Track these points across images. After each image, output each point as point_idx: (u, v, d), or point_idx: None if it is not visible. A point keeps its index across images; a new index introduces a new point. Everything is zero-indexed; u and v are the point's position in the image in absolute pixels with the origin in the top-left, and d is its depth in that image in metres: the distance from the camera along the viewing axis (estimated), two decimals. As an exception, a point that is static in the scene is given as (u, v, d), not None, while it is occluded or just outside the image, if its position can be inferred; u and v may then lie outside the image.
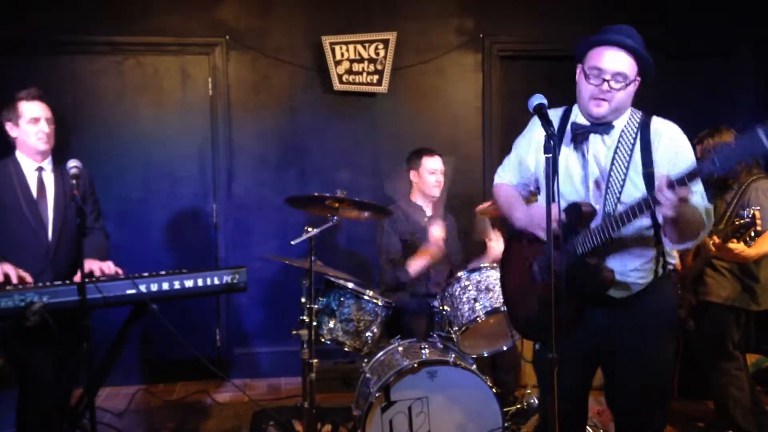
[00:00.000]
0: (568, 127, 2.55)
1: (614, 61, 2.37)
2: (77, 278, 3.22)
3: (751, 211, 3.13)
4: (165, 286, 3.24)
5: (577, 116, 2.56)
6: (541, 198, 2.67)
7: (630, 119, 2.50)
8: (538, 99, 2.28)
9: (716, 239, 3.41)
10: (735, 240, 3.30)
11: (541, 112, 2.26)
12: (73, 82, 5.07)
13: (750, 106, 5.58)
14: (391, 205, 4.31)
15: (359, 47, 5.17)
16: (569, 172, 2.53)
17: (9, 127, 3.41)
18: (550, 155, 2.17)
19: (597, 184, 2.47)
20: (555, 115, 2.61)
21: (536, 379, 2.94)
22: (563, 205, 2.47)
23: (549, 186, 2.17)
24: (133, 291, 3.18)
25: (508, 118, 5.45)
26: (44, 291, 2.99)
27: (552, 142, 2.17)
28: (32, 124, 3.36)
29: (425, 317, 3.99)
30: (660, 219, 2.39)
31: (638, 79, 2.45)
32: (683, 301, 3.93)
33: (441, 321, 3.79)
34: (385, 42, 5.19)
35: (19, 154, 3.43)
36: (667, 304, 2.54)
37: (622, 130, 2.47)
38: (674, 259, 2.56)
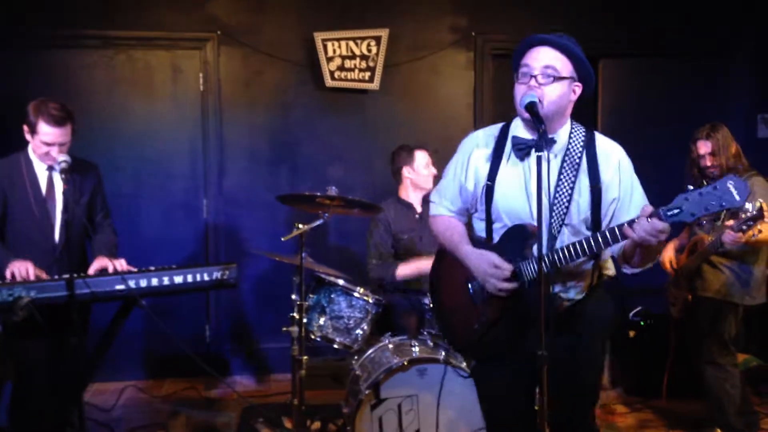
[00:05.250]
0: (508, 142, 2.45)
1: (541, 56, 2.32)
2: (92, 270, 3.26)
3: (758, 204, 3.14)
4: (154, 281, 3.24)
5: (517, 129, 2.47)
6: (478, 224, 2.59)
7: (573, 133, 2.42)
8: (529, 97, 2.26)
9: (731, 232, 3.39)
10: (741, 233, 3.32)
11: (532, 110, 2.23)
12: (64, 76, 5.04)
13: (744, 107, 5.61)
14: (383, 202, 4.31)
15: (351, 44, 5.16)
16: (511, 190, 2.42)
17: (25, 130, 3.36)
18: (541, 153, 2.13)
19: (541, 205, 2.26)
20: (491, 133, 2.53)
21: (478, 400, 2.82)
22: (506, 224, 2.43)
23: (540, 188, 2.12)
24: (122, 287, 3.18)
25: (500, 115, 5.38)
26: (32, 286, 2.98)
27: (543, 141, 2.14)
28: (44, 145, 3.31)
29: (416, 315, 3.98)
30: (612, 251, 2.37)
31: (578, 85, 2.37)
32: (677, 299, 3.96)
33: (432, 319, 3.78)
34: (378, 39, 5.18)
35: (32, 153, 3.42)
36: (599, 307, 2.49)
37: (567, 146, 2.39)
38: (610, 270, 2.52)
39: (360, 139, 5.36)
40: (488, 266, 2.38)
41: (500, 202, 2.44)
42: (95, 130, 5.00)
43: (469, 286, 2.54)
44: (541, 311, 2.13)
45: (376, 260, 4.16)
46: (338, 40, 5.14)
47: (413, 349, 3.48)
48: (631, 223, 2.10)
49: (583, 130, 2.44)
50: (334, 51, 5.14)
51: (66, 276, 3.08)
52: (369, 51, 5.18)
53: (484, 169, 2.49)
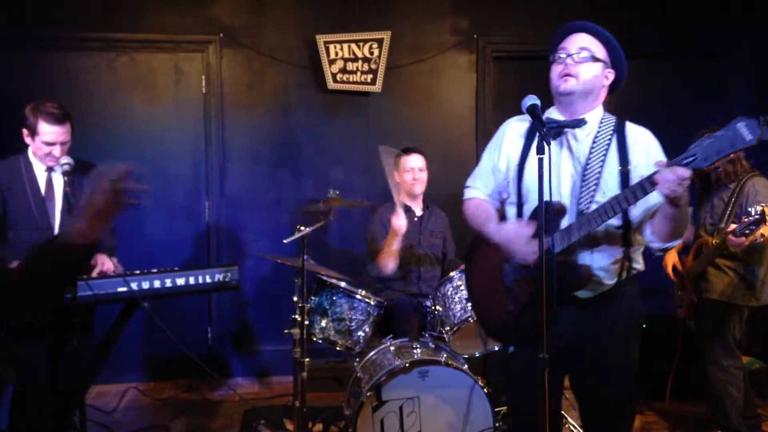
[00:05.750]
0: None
1: (578, 39, 2.47)
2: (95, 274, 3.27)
3: (760, 208, 3.14)
4: (156, 284, 3.23)
5: (551, 113, 2.56)
6: (510, 209, 2.63)
7: (604, 119, 2.51)
8: (531, 100, 2.30)
9: (732, 238, 3.43)
10: (744, 237, 3.32)
11: (534, 112, 2.28)
12: (65, 79, 5.05)
13: (743, 108, 5.60)
14: (383, 205, 4.32)
15: (353, 46, 5.16)
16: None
17: (25, 133, 3.37)
18: (542, 156, 2.16)
19: (571, 180, 2.45)
20: (525, 117, 2.56)
21: (506, 386, 2.85)
22: (534, 203, 2.45)
23: (541, 186, 2.16)
24: (124, 289, 3.17)
25: (502, 118, 5.38)
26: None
27: (545, 143, 2.17)
28: (46, 146, 3.33)
29: (417, 317, 3.99)
30: (634, 216, 2.40)
31: (611, 71, 2.49)
32: (683, 301, 3.96)
33: (433, 321, 3.79)
34: (380, 41, 5.19)
35: (31, 156, 3.43)
36: (631, 307, 2.52)
37: (598, 129, 2.47)
38: (639, 265, 2.53)
39: (362, 142, 5.36)
40: (514, 235, 2.42)
41: (529, 181, 2.49)
42: (97, 133, 5.01)
43: (502, 268, 2.55)
44: (542, 311, 2.13)
45: (369, 255, 4.16)
46: (340, 42, 5.15)
47: (415, 351, 3.48)
48: (652, 176, 2.16)
49: (615, 118, 2.52)
50: (336, 53, 5.15)
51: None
52: (371, 53, 5.19)
53: (516, 150, 2.57)
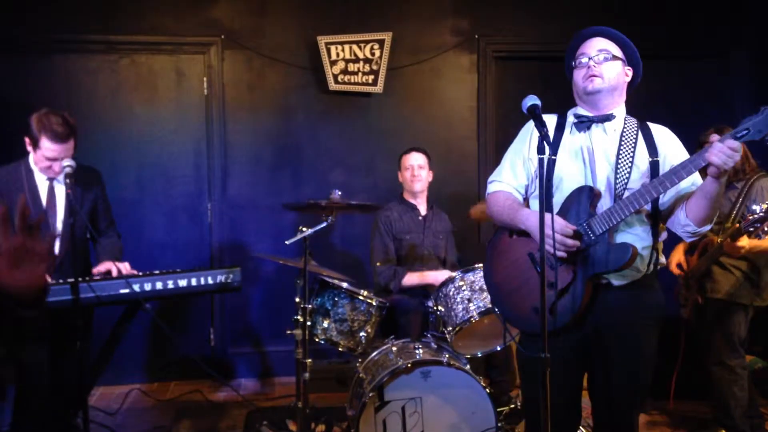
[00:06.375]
0: (569, 119, 2.64)
1: (595, 43, 2.58)
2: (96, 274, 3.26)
3: (765, 206, 3.17)
4: (159, 285, 3.25)
5: (578, 111, 2.65)
6: (534, 203, 2.67)
7: (627, 118, 2.62)
8: (531, 100, 2.31)
9: (727, 240, 3.48)
10: (747, 235, 3.34)
11: (534, 112, 2.29)
12: (67, 81, 5.06)
13: (742, 108, 5.59)
14: (386, 205, 4.34)
15: (354, 47, 5.17)
16: (577, 157, 2.57)
17: (27, 142, 3.32)
18: (544, 156, 2.18)
19: (607, 167, 2.52)
20: (550, 115, 2.65)
21: (523, 379, 2.81)
22: (564, 194, 2.52)
23: (542, 187, 2.17)
24: (126, 290, 3.19)
25: (503, 118, 5.46)
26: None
27: (545, 143, 2.19)
28: (48, 160, 3.28)
29: (419, 317, 3.99)
30: (663, 203, 2.48)
31: (630, 68, 2.61)
32: (687, 300, 3.96)
33: (435, 321, 3.79)
34: (381, 42, 5.19)
35: (32, 163, 3.38)
36: (656, 300, 2.59)
37: (624, 125, 2.58)
38: (663, 258, 2.60)
39: (363, 143, 5.37)
40: (550, 222, 2.41)
41: (563, 173, 2.54)
42: (99, 135, 5.02)
43: (533, 257, 2.51)
44: (542, 312, 2.14)
45: (381, 264, 4.20)
46: (341, 43, 5.15)
47: (417, 351, 3.48)
48: (702, 154, 2.26)
49: (635, 119, 2.64)
50: (338, 54, 5.16)
51: (71, 280, 3.08)
52: (372, 54, 5.19)
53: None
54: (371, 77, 5.21)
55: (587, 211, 2.45)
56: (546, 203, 2.43)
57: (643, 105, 5.45)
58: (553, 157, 2.54)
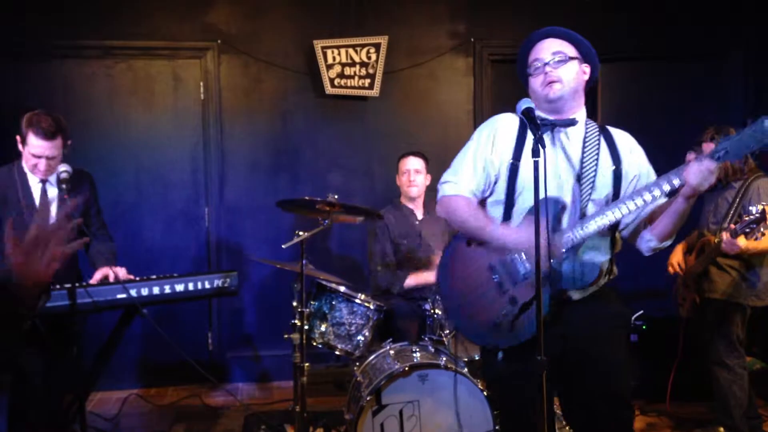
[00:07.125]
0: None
1: (546, 45, 2.50)
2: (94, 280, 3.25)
3: (761, 207, 3.18)
4: (156, 290, 3.25)
5: (538, 114, 2.49)
6: (492, 208, 2.57)
7: (588, 121, 2.54)
8: (526, 103, 2.29)
9: (726, 235, 3.49)
10: (744, 236, 3.35)
11: (529, 115, 2.25)
12: (64, 87, 5.06)
13: (738, 108, 5.61)
14: (383, 209, 4.34)
15: (351, 51, 5.18)
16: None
17: (18, 140, 3.31)
18: (538, 158, 2.15)
19: (569, 178, 2.45)
20: (512, 116, 2.54)
21: (495, 394, 2.78)
22: (526, 206, 2.43)
23: (537, 190, 2.15)
24: (123, 295, 3.19)
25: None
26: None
27: (540, 146, 2.16)
28: (33, 157, 3.27)
29: (417, 320, 3.99)
30: (623, 219, 2.39)
31: (587, 65, 2.51)
32: (685, 300, 3.96)
33: (433, 324, 3.78)
34: (377, 46, 5.20)
35: (25, 165, 3.37)
36: (616, 309, 2.54)
37: (585, 129, 2.50)
38: (616, 268, 2.55)
39: (360, 146, 5.37)
40: (529, 235, 2.26)
41: (525, 181, 2.43)
42: (96, 140, 5.02)
43: (494, 271, 2.48)
44: (540, 312, 2.13)
45: (381, 268, 4.19)
46: (338, 47, 5.16)
47: (414, 354, 3.48)
48: (678, 172, 2.25)
49: (594, 122, 2.56)
50: (334, 58, 5.16)
51: (68, 285, 3.08)
52: (369, 58, 5.20)
53: (509, 147, 2.50)
54: (368, 81, 5.22)
55: (552, 225, 2.34)
56: (506, 212, 2.46)
57: (642, 107, 5.55)
58: (516, 163, 2.45)
